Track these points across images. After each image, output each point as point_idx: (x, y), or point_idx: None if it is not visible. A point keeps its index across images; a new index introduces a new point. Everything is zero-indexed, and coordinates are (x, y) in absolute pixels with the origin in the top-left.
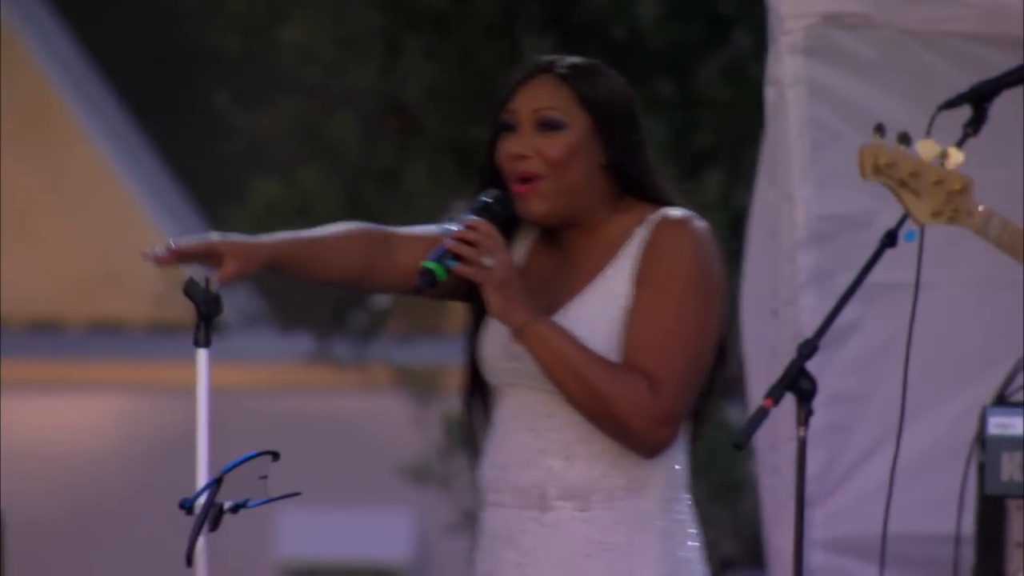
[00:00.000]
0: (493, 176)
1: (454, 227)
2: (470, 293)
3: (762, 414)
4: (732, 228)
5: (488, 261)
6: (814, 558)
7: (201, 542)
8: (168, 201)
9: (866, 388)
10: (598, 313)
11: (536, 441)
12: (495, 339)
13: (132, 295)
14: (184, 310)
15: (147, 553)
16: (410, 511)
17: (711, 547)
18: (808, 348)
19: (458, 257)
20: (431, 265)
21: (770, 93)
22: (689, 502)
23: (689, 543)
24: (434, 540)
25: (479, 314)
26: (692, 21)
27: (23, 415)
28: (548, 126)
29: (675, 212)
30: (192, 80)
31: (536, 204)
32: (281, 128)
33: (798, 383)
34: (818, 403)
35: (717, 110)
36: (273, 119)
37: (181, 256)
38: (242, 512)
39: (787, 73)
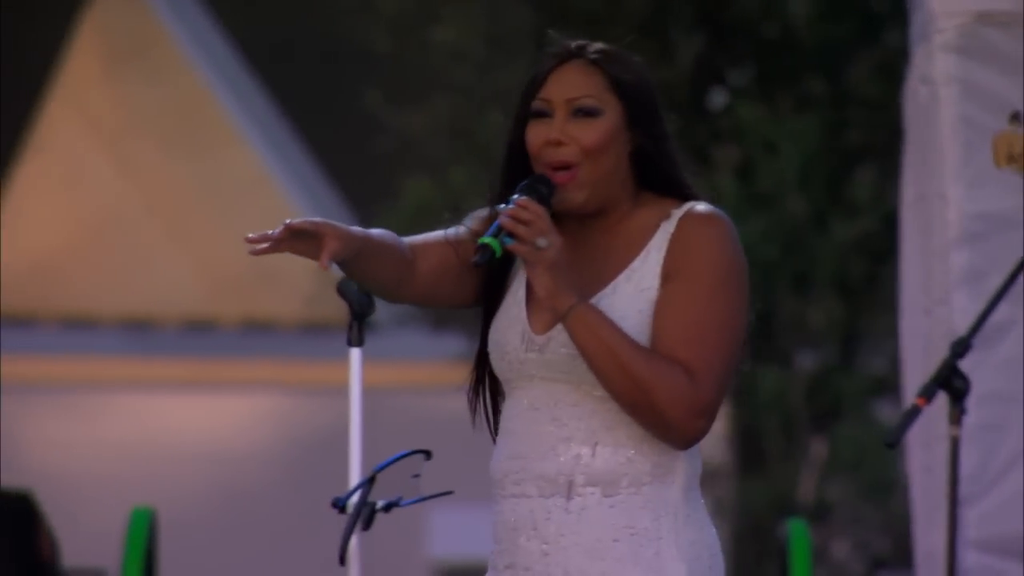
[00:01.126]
0: (520, 164)
1: (506, 206)
2: (479, 295)
3: (914, 412)
4: (884, 225)
5: (541, 242)
6: (966, 558)
7: (354, 541)
8: (320, 200)
9: (1019, 388)
10: (628, 305)
11: (560, 430)
12: (512, 330)
13: (284, 295)
14: (336, 310)
15: (299, 552)
16: None
17: (862, 546)
18: (961, 347)
19: (511, 235)
20: (489, 240)
21: (921, 92)
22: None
23: (711, 530)
24: None
25: (489, 310)
26: (844, 19)
27: (175, 414)
28: (584, 112)
29: (700, 206)
30: (344, 80)
31: (576, 193)
32: (432, 127)
33: (951, 382)
34: (971, 402)
35: (869, 108)
36: (424, 118)
37: (292, 233)
38: (394, 511)
39: (939, 72)
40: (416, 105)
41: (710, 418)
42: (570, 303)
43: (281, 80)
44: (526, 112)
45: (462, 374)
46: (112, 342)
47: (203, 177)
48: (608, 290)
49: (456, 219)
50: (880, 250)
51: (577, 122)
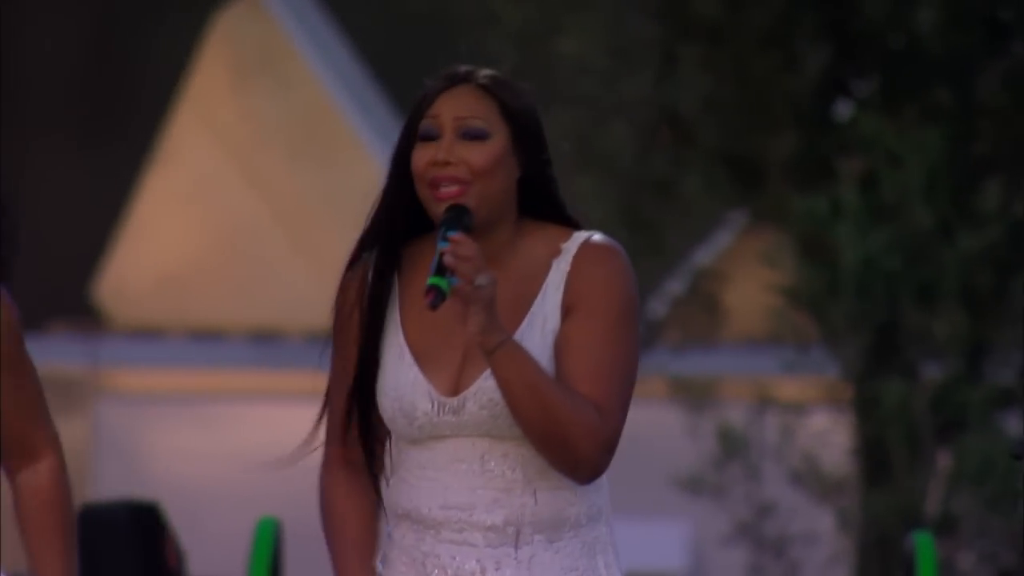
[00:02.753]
0: (401, 189)
1: (443, 244)
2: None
3: None
4: (1010, 236)
5: (482, 279)
6: None
7: None
8: None
9: None
10: (538, 350)
11: (497, 481)
12: (415, 394)
13: None
14: None
15: None
16: (685, 521)
17: (988, 559)
18: None
19: (454, 273)
20: (438, 281)
21: None
22: None
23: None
24: (709, 550)
25: (368, 367)
26: (971, 29)
27: (302, 424)
28: (472, 135)
29: (595, 237)
30: None
31: (465, 202)
32: (556, 138)
33: None
34: None
35: (995, 119)
36: (548, 129)
37: None
38: None
39: None
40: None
41: (613, 451)
42: (500, 339)
43: (405, 91)
44: (410, 134)
45: None
46: (238, 353)
47: (328, 188)
48: (516, 335)
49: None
50: (1006, 261)
51: (465, 144)
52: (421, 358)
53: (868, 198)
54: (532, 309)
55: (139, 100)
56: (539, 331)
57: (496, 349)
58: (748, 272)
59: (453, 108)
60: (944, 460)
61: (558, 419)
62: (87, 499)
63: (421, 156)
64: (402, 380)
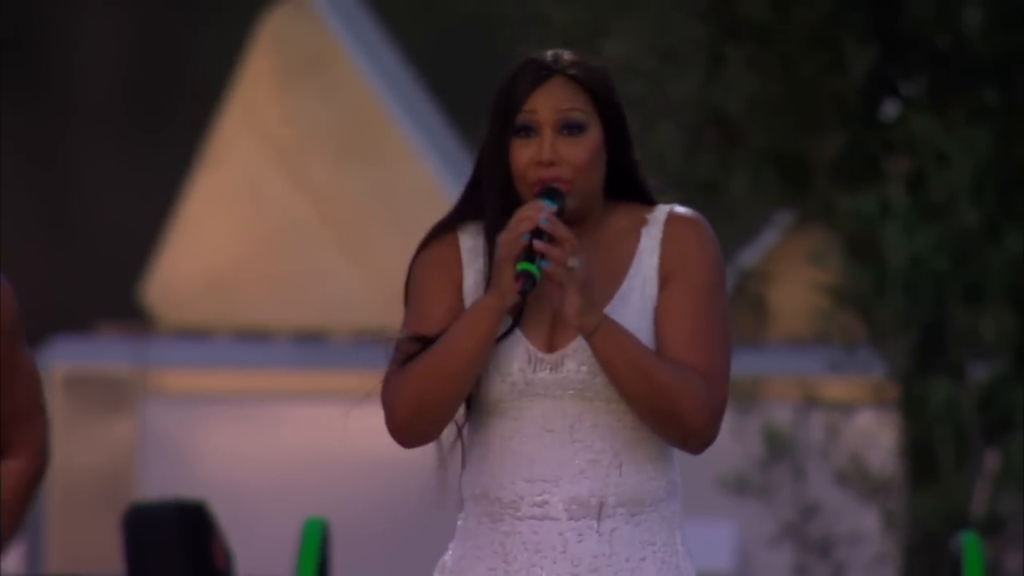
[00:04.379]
0: (498, 182)
1: (529, 228)
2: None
3: None
4: None
5: (574, 262)
6: None
7: None
8: None
9: None
10: (638, 317)
11: (586, 452)
12: (512, 352)
13: None
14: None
15: None
16: (731, 522)
17: None
18: None
19: (545, 257)
20: (527, 266)
21: None
22: None
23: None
24: (755, 551)
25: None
26: (1018, 29)
27: (347, 425)
28: (571, 128)
29: (679, 208)
30: None
31: (570, 200)
32: None
33: None
34: None
35: None
36: None
37: None
38: None
39: None
40: None
41: (721, 419)
42: (598, 320)
43: (451, 93)
44: (506, 127)
45: None
46: (285, 354)
47: (375, 190)
48: (617, 303)
49: None
50: None
51: (564, 140)
52: (516, 315)
53: (915, 198)
54: (628, 274)
55: (187, 102)
56: (639, 296)
57: (595, 331)
58: (795, 272)
59: (551, 103)
60: (991, 460)
61: (666, 393)
62: (134, 499)
63: (522, 153)
64: (499, 343)
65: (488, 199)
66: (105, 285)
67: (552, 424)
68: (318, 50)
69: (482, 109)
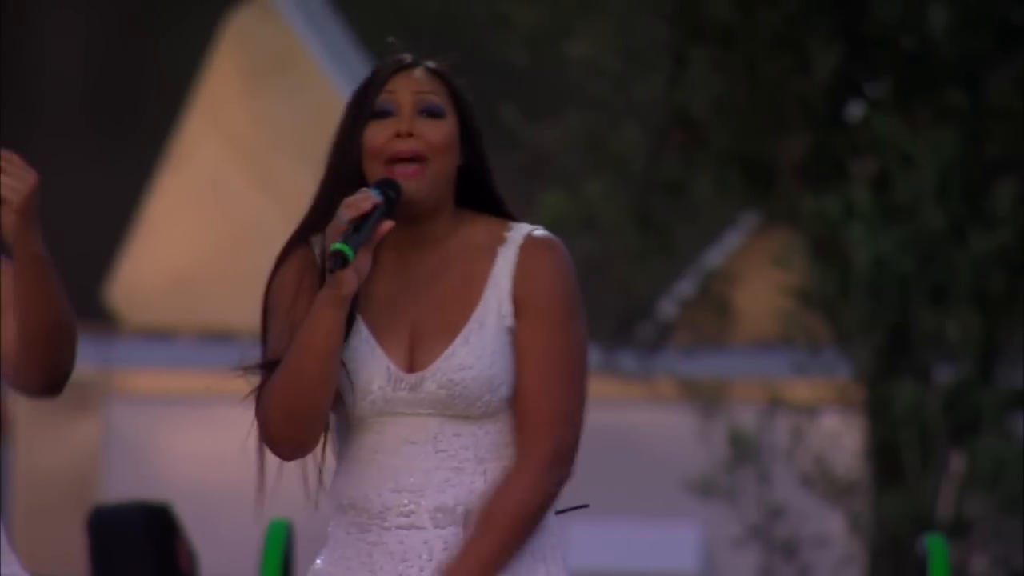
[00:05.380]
0: (350, 167)
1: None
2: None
3: None
4: (1023, 239)
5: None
6: None
7: None
8: None
9: None
10: (495, 339)
11: (449, 461)
12: (371, 369)
13: None
14: None
15: None
16: (696, 524)
17: (1001, 561)
18: None
19: (361, 225)
20: (340, 247)
21: None
22: None
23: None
24: (721, 553)
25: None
26: (983, 31)
27: None
28: (430, 112)
29: (538, 231)
30: (479, 94)
31: (420, 184)
32: (567, 141)
33: None
34: None
35: (1008, 120)
36: (559, 132)
37: None
38: None
39: None
40: (550, 119)
41: (576, 449)
42: None
43: None
44: (365, 112)
45: (596, 387)
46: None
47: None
48: (473, 325)
49: (591, 232)
50: (1019, 263)
51: (424, 121)
52: (376, 331)
53: (880, 199)
54: (484, 296)
55: (150, 103)
56: (495, 318)
57: None
58: (759, 273)
59: (411, 87)
60: (957, 463)
61: (531, 527)
62: (99, 500)
63: (379, 132)
64: (358, 356)
65: (330, 184)
66: (68, 285)
67: (415, 437)
68: (283, 51)
69: None
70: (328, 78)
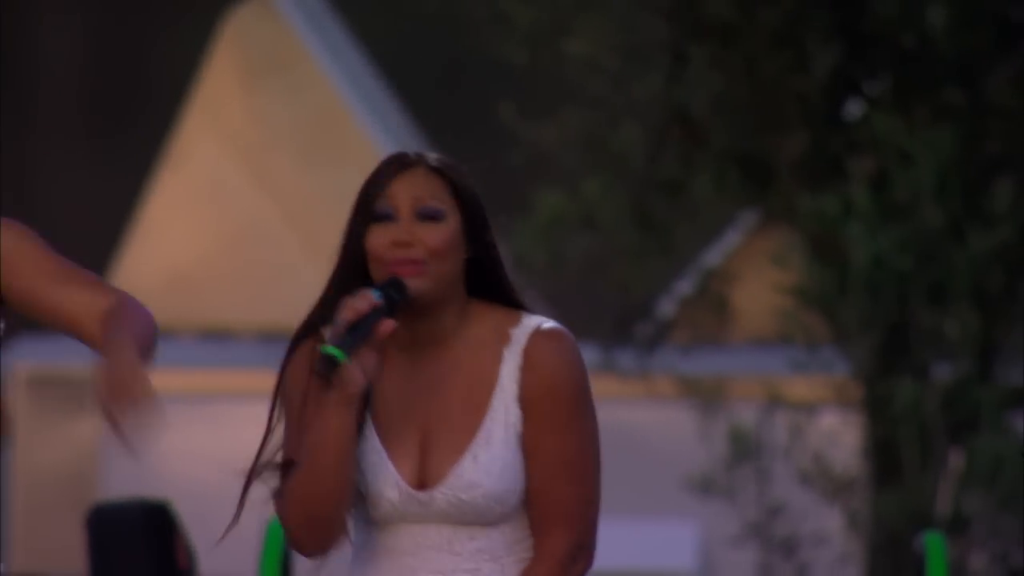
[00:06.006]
0: (356, 269)
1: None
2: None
3: None
4: (1022, 237)
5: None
6: None
7: None
8: None
9: None
10: (504, 449)
11: (466, 562)
12: (382, 481)
13: None
14: None
15: None
16: (695, 522)
17: (999, 558)
18: None
19: (357, 326)
20: (331, 350)
21: None
22: None
23: None
24: (720, 551)
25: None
26: (982, 29)
27: None
28: (429, 216)
29: (545, 325)
30: (478, 92)
31: (422, 282)
32: (566, 139)
33: None
34: None
35: (1006, 119)
36: (558, 131)
37: None
38: None
39: None
40: (550, 117)
41: (595, 539)
42: None
43: (414, 93)
44: (363, 215)
45: (595, 385)
46: (248, 354)
47: (338, 190)
48: (481, 439)
49: (590, 230)
50: (1017, 261)
51: (423, 225)
52: (386, 439)
53: (879, 198)
54: (491, 406)
55: (149, 102)
56: (502, 428)
57: None
58: (758, 272)
59: (409, 189)
60: (955, 460)
61: None
62: (98, 498)
63: (379, 237)
64: (368, 464)
65: (337, 283)
66: None
67: (429, 542)
68: (281, 50)
69: (446, 108)
70: (327, 77)
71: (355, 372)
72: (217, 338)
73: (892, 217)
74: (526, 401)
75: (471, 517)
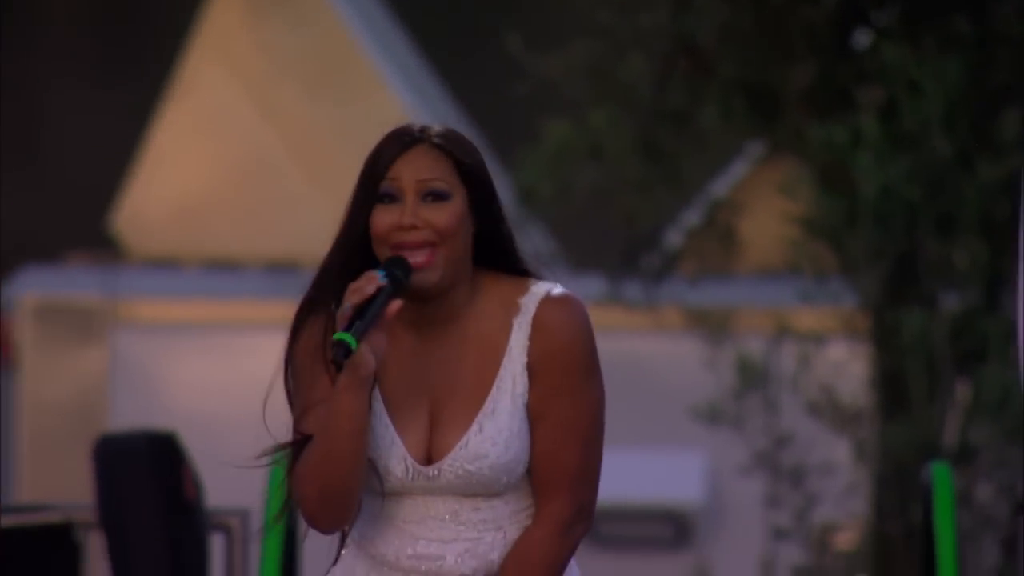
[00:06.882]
0: (359, 248)
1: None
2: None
3: None
4: None
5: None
6: None
7: None
8: None
9: None
10: (510, 420)
11: (469, 531)
12: (390, 456)
13: None
14: None
15: None
16: (702, 452)
17: (1006, 489)
18: None
19: (365, 310)
20: (343, 336)
21: None
22: None
23: None
24: (726, 481)
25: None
26: None
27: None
28: (434, 196)
29: (554, 291)
30: (485, 23)
31: (432, 274)
32: (572, 70)
33: None
34: None
35: (1015, 48)
36: (565, 61)
37: None
38: None
39: None
40: (557, 48)
41: (594, 508)
42: None
43: (421, 24)
44: (370, 194)
45: (602, 316)
46: (255, 284)
47: (345, 122)
48: (487, 410)
49: (597, 162)
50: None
51: (428, 206)
52: (394, 415)
53: (887, 128)
54: (500, 373)
55: (155, 33)
56: (509, 398)
57: None
58: (765, 203)
59: (414, 171)
60: (962, 391)
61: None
62: (105, 429)
63: (383, 219)
64: (377, 439)
65: (340, 258)
66: (74, 215)
67: (435, 512)
68: None
69: (451, 38)
70: (334, 8)
71: (366, 355)
72: (223, 269)
73: (900, 147)
74: (534, 366)
75: (477, 488)
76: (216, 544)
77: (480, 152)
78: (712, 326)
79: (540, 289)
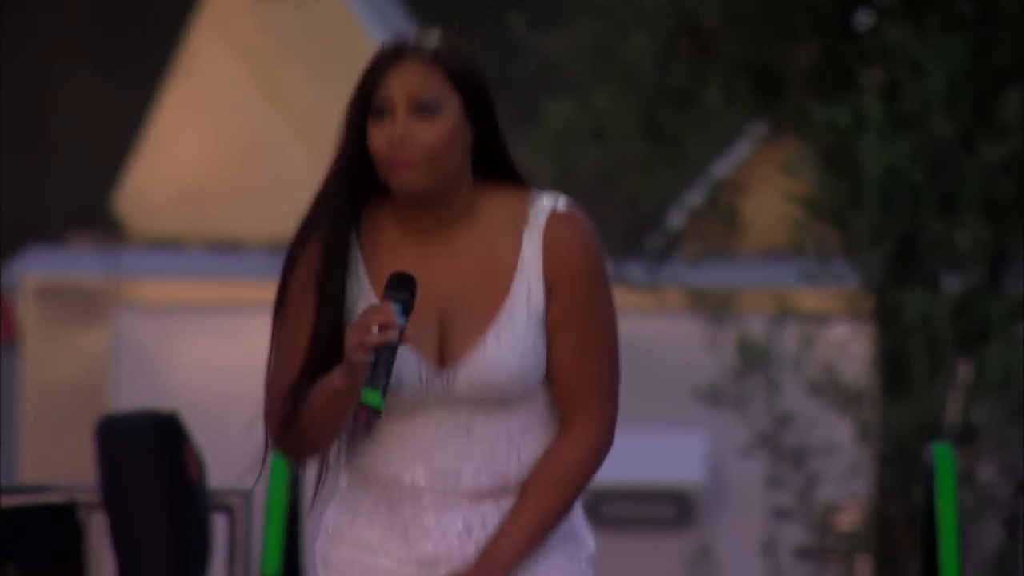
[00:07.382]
0: (357, 161)
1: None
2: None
3: None
4: None
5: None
6: None
7: None
8: None
9: None
10: (526, 330)
11: (482, 445)
12: (404, 364)
13: None
14: None
15: None
16: (704, 433)
17: (1008, 469)
18: None
19: (380, 353)
20: (372, 398)
21: None
22: None
23: None
24: (728, 461)
25: (339, 332)
26: None
27: None
28: (425, 111)
29: (560, 205)
30: (487, 3)
31: (413, 176)
32: (575, 49)
33: None
34: None
35: (1017, 28)
36: (567, 41)
37: None
38: None
39: None
40: (559, 27)
41: (614, 431)
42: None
43: (423, 3)
44: (362, 105)
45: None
46: (257, 265)
47: (347, 101)
48: (504, 320)
49: (600, 141)
50: None
51: (418, 121)
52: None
53: (890, 108)
54: (512, 288)
55: (158, 13)
56: (524, 308)
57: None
58: (768, 183)
59: (404, 85)
60: (965, 371)
61: (570, 502)
62: (107, 410)
63: (378, 135)
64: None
65: (338, 170)
66: (77, 196)
67: (447, 425)
68: None
69: (453, 17)
70: None
71: (361, 356)
72: (226, 250)
73: (903, 128)
74: (551, 280)
75: (492, 398)
76: (219, 524)
77: (476, 58)
78: (714, 306)
79: (545, 202)
